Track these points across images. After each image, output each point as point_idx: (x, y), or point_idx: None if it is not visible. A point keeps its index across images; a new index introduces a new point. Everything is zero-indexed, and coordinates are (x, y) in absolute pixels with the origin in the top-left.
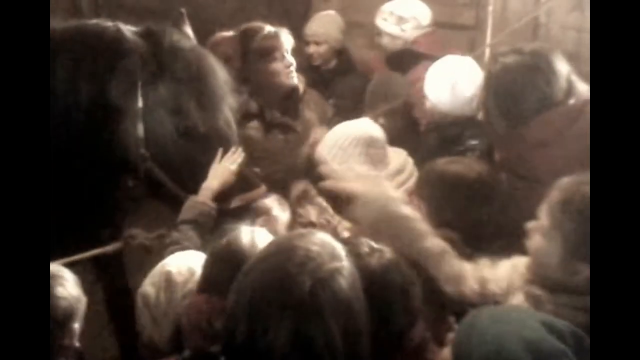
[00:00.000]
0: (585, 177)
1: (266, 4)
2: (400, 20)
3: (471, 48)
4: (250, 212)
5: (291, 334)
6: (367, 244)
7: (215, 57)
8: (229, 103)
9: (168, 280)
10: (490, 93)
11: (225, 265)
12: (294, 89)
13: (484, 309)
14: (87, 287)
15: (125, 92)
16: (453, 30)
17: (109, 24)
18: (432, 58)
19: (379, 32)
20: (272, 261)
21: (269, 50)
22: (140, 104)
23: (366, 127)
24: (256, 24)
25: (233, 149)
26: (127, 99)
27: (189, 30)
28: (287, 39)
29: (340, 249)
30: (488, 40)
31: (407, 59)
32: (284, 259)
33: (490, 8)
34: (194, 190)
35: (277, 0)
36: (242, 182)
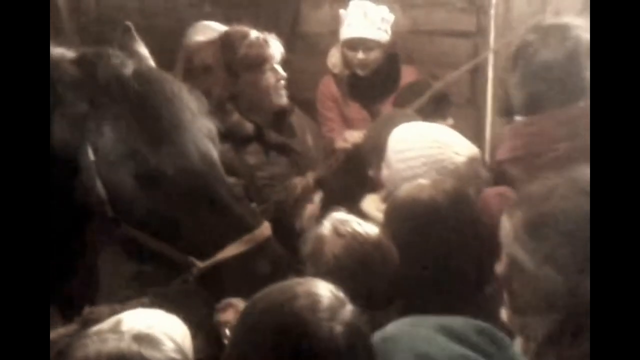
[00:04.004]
0: (535, 193)
1: (252, 11)
2: (389, 24)
3: (474, 56)
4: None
5: None
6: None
7: (171, 77)
8: (197, 132)
9: None
10: (516, 68)
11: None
12: (286, 105)
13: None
14: None
15: (71, 141)
16: (452, 37)
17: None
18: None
19: (369, 48)
20: (281, 310)
21: (258, 61)
22: (90, 153)
23: None
24: (240, 28)
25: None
26: (75, 148)
27: (139, 46)
28: (277, 48)
29: (337, 291)
30: (491, 46)
31: (394, 63)
32: (293, 306)
33: (492, 12)
34: (187, 251)
35: (263, 7)
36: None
